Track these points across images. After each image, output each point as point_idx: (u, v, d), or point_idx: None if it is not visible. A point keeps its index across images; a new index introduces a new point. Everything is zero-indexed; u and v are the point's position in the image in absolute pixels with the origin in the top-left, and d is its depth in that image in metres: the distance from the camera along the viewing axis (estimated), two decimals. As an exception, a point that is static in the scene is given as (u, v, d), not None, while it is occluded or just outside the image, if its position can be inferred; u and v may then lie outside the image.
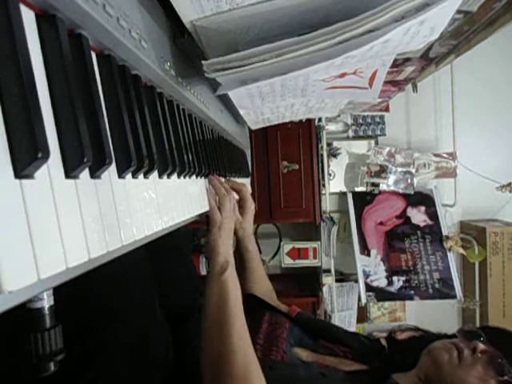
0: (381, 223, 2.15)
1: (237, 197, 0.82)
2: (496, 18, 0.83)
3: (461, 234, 2.15)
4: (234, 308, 0.58)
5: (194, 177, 0.56)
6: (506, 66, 2.22)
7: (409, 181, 2.12)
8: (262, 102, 0.68)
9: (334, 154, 2.19)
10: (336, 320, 2.07)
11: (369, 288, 2.02)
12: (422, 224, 2.15)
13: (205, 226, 0.74)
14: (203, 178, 0.63)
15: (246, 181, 1.17)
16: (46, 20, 0.26)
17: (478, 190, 2.18)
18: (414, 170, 2.12)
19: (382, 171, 2.11)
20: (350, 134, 2.28)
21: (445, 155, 2.17)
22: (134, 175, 0.36)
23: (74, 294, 0.47)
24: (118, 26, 0.32)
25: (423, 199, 2.18)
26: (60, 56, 0.26)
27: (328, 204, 2.06)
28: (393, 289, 2.02)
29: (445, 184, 2.24)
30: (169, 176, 0.45)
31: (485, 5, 0.72)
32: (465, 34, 0.87)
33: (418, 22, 0.38)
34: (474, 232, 2.14)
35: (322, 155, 1.98)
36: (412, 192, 2.12)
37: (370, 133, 2.27)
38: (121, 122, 0.34)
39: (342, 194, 2.25)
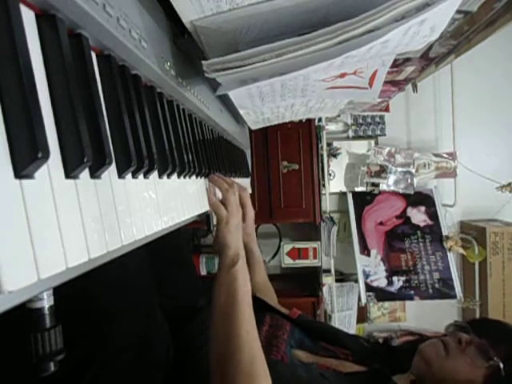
0: (381, 223, 2.15)
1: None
2: (496, 18, 0.83)
3: (461, 234, 2.15)
4: (243, 301, 0.58)
5: (194, 177, 0.56)
6: (506, 66, 2.22)
7: (409, 181, 2.12)
8: (262, 102, 0.68)
9: (334, 153, 2.19)
10: (336, 320, 2.07)
11: (369, 288, 2.02)
12: (422, 224, 2.15)
13: (205, 226, 0.74)
14: (203, 177, 0.63)
15: (246, 181, 1.17)
16: (45, 20, 0.26)
17: (478, 190, 2.18)
18: (414, 170, 2.12)
19: (382, 171, 2.11)
20: (350, 134, 2.28)
21: (445, 155, 2.17)
22: (134, 175, 0.36)
23: (74, 294, 0.47)
24: (118, 26, 0.32)
25: (423, 199, 2.18)
26: (60, 56, 0.26)
27: (328, 204, 2.06)
28: (393, 289, 2.02)
29: (445, 184, 2.24)
30: (169, 176, 0.45)
31: (485, 5, 0.72)
32: (465, 33, 0.87)
33: (418, 22, 0.38)
34: (473, 232, 2.14)
35: (322, 155, 1.98)
36: (412, 192, 2.12)
37: (370, 133, 2.27)
38: (121, 122, 0.34)
39: (342, 194, 2.25)
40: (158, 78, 0.43)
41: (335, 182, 2.23)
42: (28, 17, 0.24)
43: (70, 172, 0.26)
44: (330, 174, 2.15)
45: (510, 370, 0.62)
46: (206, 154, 0.64)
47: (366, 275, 2.04)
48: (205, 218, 0.67)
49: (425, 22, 0.39)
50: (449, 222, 2.19)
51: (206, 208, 0.62)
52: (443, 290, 2.01)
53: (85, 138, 0.26)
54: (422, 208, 2.17)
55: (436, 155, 2.17)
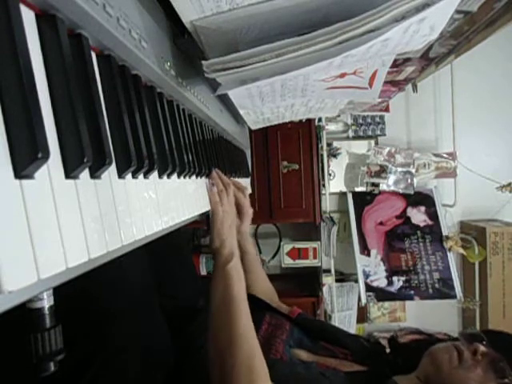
0: (381, 223, 2.15)
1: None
2: (496, 18, 0.83)
3: (461, 234, 2.15)
4: (239, 297, 0.59)
5: (194, 177, 0.56)
6: (506, 66, 2.22)
7: (409, 181, 2.12)
8: (262, 102, 0.68)
9: (334, 154, 2.19)
10: (336, 320, 2.07)
11: (369, 288, 2.02)
12: (422, 224, 2.15)
13: (205, 226, 0.74)
14: (203, 177, 0.63)
15: (246, 181, 1.17)
16: (46, 20, 0.26)
17: (478, 190, 2.18)
18: (414, 170, 2.12)
19: (382, 171, 2.11)
20: (350, 134, 2.28)
21: (445, 155, 2.17)
22: (134, 175, 0.36)
23: (74, 294, 0.47)
24: (118, 26, 0.32)
25: (423, 199, 2.18)
26: (60, 56, 0.26)
27: (328, 204, 2.06)
28: (393, 289, 2.02)
29: (445, 184, 2.24)
30: (169, 176, 0.45)
31: (485, 5, 0.72)
32: (465, 34, 0.87)
33: (418, 21, 0.38)
34: (473, 232, 2.14)
35: (322, 155, 1.98)
36: (412, 192, 2.12)
37: (370, 133, 2.27)
38: (121, 122, 0.34)
39: (342, 194, 2.25)
40: (158, 78, 0.43)
41: (335, 182, 2.23)
42: (28, 17, 0.24)
43: (70, 172, 0.26)
44: (330, 174, 2.15)
45: None
46: (206, 153, 0.64)
47: (366, 275, 2.04)
48: (205, 218, 0.67)
49: (424, 20, 0.39)
50: (449, 222, 2.19)
51: (205, 208, 0.62)
52: (443, 290, 2.01)
53: (85, 138, 0.26)
54: (422, 208, 2.17)
55: (436, 155, 2.17)
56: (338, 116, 2.18)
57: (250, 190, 0.94)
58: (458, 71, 2.09)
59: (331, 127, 2.23)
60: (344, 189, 2.24)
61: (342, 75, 0.59)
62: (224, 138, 0.89)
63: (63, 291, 0.28)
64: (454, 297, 2.00)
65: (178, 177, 0.49)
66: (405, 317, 2.30)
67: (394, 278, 2.04)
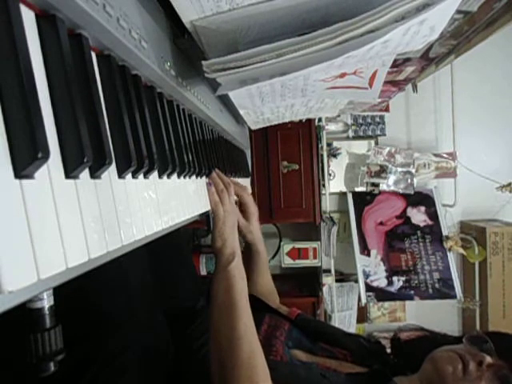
0: (381, 223, 2.15)
1: (236, 198, 0.82)
2: (496, 18, 0.83)
3: (461, 234, 2.15)
4: (240, 296, 0.59)
5: (194, 177, 0.56)
6: (506, 66, 2.22)
7: (409, 181, 2.12)
8: (262, 102, 0.68)
9: (334, 154, 2.19)
10: (336, 320, 2.07)
11: (369, 288, 2.02)
12: (422, 224, 2.15)
13: (205, 226, 0.74)
14: (203, 177, 0.63)
15: (246, 181, 1.17)
16: (46, 20, 0.26)
17: (478, 190, 2.18)
18: (414, 170, 2.12)
19: (382, 171, 2.11)
20: (350, 134, 2.28)
21: (445, 155, 2.17)
22: (134, 175, 0.36)
23: (74, 294, 0.47)
24: (118, 26, 0.32)
25: (423, 199, 2.18)
26: (60, 56, 0.26)
27: (328, 204, 2.06)
28: (393, 289, 2.02)
29: (445, 184, 2.24)
30: (169, 176, 0.45)
31: (485, 5, 0.71)
32: (465, 34, 0.87)
33: (418, 22, 0.38)
34: (474, 232, 2.14)
35: (322, 155, 1.98)
36: (412, 192, 2.12)
37: (370, 133, 2.27)
38: (121, 122, 0.34)
39: (342, 194, 2.25)
40: (157, 77, 0.43)
41: (335, 182, 2.23)
42: (28, 17, 0.24)
43: (70, 172, 0.26)
44: (330, 174, 2.15)
45: None
46: (205, 153, 0.64)
47: (366, 275, 2.04)
48: (205, 218, 0.67)
49: (425, 21, 0.39)
50: (449, 222, 2.19)
51: (206, 208, 0.62)
52: (443, 290, 2.01)
53: (85, 138, 0.26)
54: (422, 208, 2.17)
55: (436, 155, 2.18)
56: (338, 116, 2.18)
57: (250, 190, 0.94)
58: (458, 71, 2.09)
59: (331, 127, 2.23)
60: (344, 189, 2.24)
61: (342, 75, 0.59)
62: (224, 138, 0.89)
63: (63, 291, 0.28)
64: (454, 297, 2.00)
65: (178, 177, 0.49)
66: (405, 317, 2.30)
67: (394, 278, 2.04)
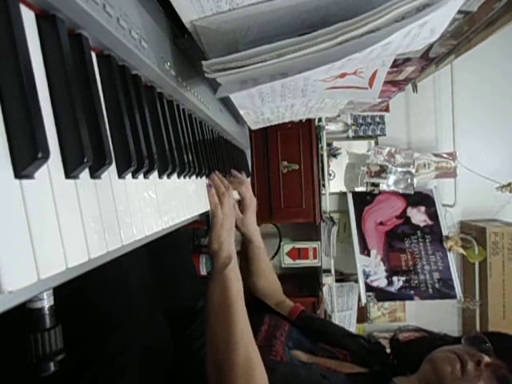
0: (381, 223, 2.15)
1: (237, 196, 0.82)
2: (496, 18, 0.83)
3: (461, 234, 2.15)
4: (237, 300, 0.59)
5: (193, 177, 0.56)
6: (506, 66, 2.22)
7: (409, 181, 2.12)
8: (262, 102, 0.68)
9: (334, 153, 2.19)
10: (336, 320, 2.07)
11: (369, 288, 2.02)
12: (422, 224, 2.15)
13: (205, 226, 0.74)
14: (203, 177, 0.63)
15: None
16: (46, 20, 0.26)
17: (478, 190, 2.18)
18: (414, 170, 2.12)
19: (382, 171, 2.11)
20: (350, 134, 2.28)
21: (445, 155, 2.17)
22: (134, 175, 0.36)
23: (74, 294, 0.47)
24: (118, 26, 0.32)
25: (423, 199, 2.18)
26: (60, 56, 0.26)
27: (328, 204, 2.06)
28: (393, 289, 2.02)
29: (445, 184, 2.24)
30: (169, 176, 0.45)
31: (485, 5, 0.71)
32: (465, 34, 0.87)
33: (419, 25, 0.38)
34: (474, 232, 2.14)
35: (322, 155, 1.98)
36: (412, 192, 2.12)
37: (370, 133, 2.27)
38: (121, 122, 0.34)
39: (342, 194, 2.25)
40: (157, 78, 0.43)
41: (335, 182, 2.23)
42: (28, 17, 0.24)
43: (70, 172, 0.26)
44: (330, 174, 2.15)
45: None
46: (205, 153, 0.64)
47: (366, 275, 2.04)
48: (205, 218, 0.67)
49: (425, 24, 0.39)
50: (449, 222, 2.19)
51: (206, 208, 0.62)
52: (443, 290, 2.01)
53: (85, 138, 0.26)
54: (422, 208, 2.17)
55: (436, 155, 2.18)
56: (338, 116, 2.18)
57: (248, 182, 0.93)
58: (458, 71, 2.09)
59: (331, 127, 2.23)
60: (344, 189, 2.24)
61: (342, 75, 0.59)
62: (224, 138, 0.89)
63: (63, 291, 0.28)
64: (454, 297, 2.00)
65: (178, 177, 0.49)
66: (405, 317, 2.30)
67: (394, 278, 2.04)
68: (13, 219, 0.21)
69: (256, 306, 0.84)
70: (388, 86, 1.21)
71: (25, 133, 0.21)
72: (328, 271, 2.06)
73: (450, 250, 2.06)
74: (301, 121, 1.62)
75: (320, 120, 1.99)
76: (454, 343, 0.71)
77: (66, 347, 0.32)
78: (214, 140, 0.76)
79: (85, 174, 0.28)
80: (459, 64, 1.93)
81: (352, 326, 2.14)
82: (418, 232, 2.13)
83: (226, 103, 0.81)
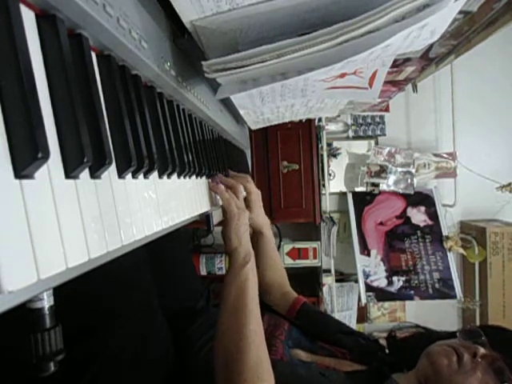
0: (381, 223, 2.15)
1: (244, 193, 0.81)
2: (496, 18, 0.83)
3: (461, 234, 2.15)
4: (253, 301, 0.58)
5: (194, 177, 0.56)
6: (506, 66, 2.22)
7: (409, 181, 2.12)
8: (262, 102, 0.68)
9: (334, 153, 2.19)
10: (336, 320, 2.07)
11: (369, 288, 2.02)
12: (421, 224, 2.15)
13: (205, 226, 0.73)
14: (203, 177, 0.63)
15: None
16: (46, 20, 0.26)
17: (478, 190, 2.18)
18: (414, 170, 2.12)
19: (382, 171, 2.11)
20: (350, 134, 2.28)
21: (445, 155, 2.17)
22: (134, 175, 0.36)
23: (75, 294, 0.47)
24: (118, 26, 0.32)
25: (423, 199, 2.18)
26: (60, 56, 0.26)
27: (328, 204, 2.06)
28: (393, 289, 2.02)
29: (445, 184, 2.24)
30: (169, 176, 0.45)
31: (485, 5, 0.72)
32: (465, 34, 0.87)
33: (419, 27, 0.38)
34: (474, 232, 2.14)
35: (322, 155, 1.98)
36: (412, 192, 2.12)
37: (370, 133, 2.27)
38: (121, 122, 0.34)
39: (342, 194, 2.25)
40: (157, 78, 0.43)
41: (335, 182, 2.23)
42: (28, 17, 0.24)
43: (70, 172, 0.26)
44: (330, 174, 2.15)
45: None
46: (205, 153, 0.64)
47: (366, 275, 2.04)
48: (205, 218, 0.67)
49: (425, 26, 0.39)
50: (449, 222, 2.19)
51: (206, 208, 0.62)
52: (443, 290, 2.01)
53: (85, 138, 0.26)
54: (422, 208, 2.17)
55: (436, 155, 2.17)
56: (338, 116, 2.18)
57: (249, 177, 0.92)
58: (457, 71, 2.09)
59: (331, 127, 2.23)
60: (344, 189, 2.24)
61: (342, 75, 0.59)
62: (224, 138, 0.89)
63: (63, 291, 0.28)
64: (454, 297, 2.00)
65: (178, 177, 0.49)
66: (405, 317, 2.30)
67: (394, 278, 2.04)
68: (13, 219, 0.21)
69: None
70: (388, 86, 1.21)
71: (25, 133, 0.21)
72: (328, 271, 2.06)
73: (450, 250, 2.06)
74: (301, 121, 1.62)
75: (320, 120, 1.99)
76: (450, 338, 0.72)
77: (66, 347, 0.32)
78: (214, 140, 0.76)
79: (85, 174, 0.28)
80: (459, 64, 1.93)
81: (352, 326, 2.13)
82: (418, 232, 2.13)
83: (226, 103, 0.81)
